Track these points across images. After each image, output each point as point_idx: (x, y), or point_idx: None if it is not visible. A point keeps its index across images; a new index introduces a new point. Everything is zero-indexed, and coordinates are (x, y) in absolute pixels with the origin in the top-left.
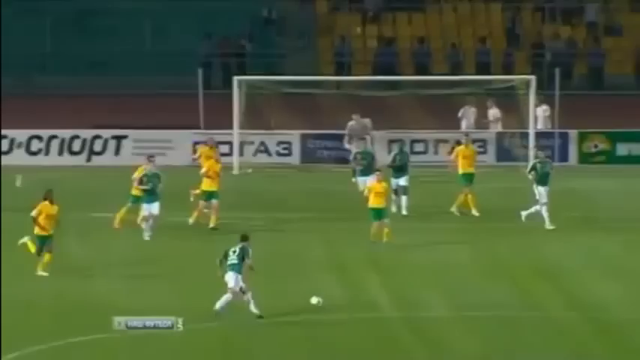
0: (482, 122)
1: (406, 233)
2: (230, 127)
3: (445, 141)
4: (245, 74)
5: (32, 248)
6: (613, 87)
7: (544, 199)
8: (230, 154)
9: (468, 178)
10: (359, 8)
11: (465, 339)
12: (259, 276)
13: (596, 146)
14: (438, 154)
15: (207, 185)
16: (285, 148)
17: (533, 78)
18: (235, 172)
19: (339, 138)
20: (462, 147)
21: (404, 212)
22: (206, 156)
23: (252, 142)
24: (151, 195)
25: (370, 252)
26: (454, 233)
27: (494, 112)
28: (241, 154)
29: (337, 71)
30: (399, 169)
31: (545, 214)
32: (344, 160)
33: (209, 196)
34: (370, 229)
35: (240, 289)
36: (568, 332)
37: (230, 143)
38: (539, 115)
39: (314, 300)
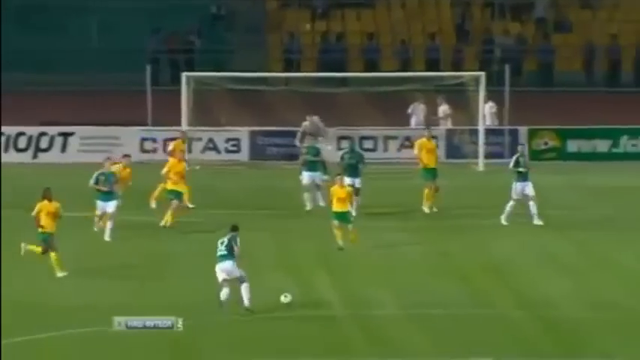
0: (432, 119)
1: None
2: (178, 123)
3: (394, 138)
4: (193, 70)
5: (37, 249)
6: (562, 83)
7: (532, 193)
8: None
9: (432, 173)
10: (308, 5)
11: (416, 337)
12: (210, 274)
13: (546, 143)
14: (387, 151)
15: (170, 185)
16: (233, 145)
17: (482, 74)
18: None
19: (289, 135)
20: (424, 140)
21: (353, 213)
22: (181, 150)
23: (200, 139)
24: (107, 193)
25: (321, 250)
26: (405, 231)
27: (444, 109)
28: (190, 150)
29: (286, 68)
30: (350, 168)
31: (534, 210)
32: (293, 157)
33: (175, 195)
34: (333, 230)
35: (238, 278)
36: (518, 330)
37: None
38: (486, 112)
39: (283, 298)
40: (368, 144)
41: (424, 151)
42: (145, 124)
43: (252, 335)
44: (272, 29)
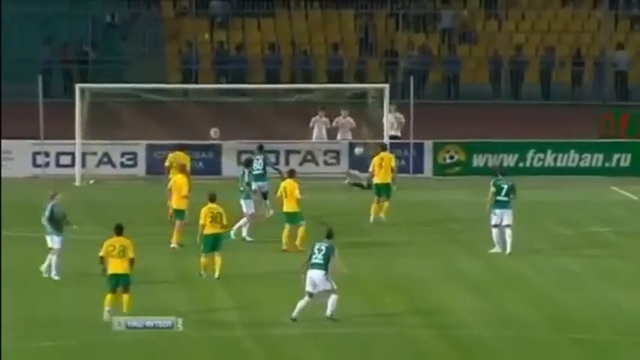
0: (334, 132)
1: (261, 248)
2: (72, 137)
3: (296, 152)
4: (88, 82)
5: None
6: (468, 96)
7: (508, 221)
8: (72, 165)
9: (384, 189)
10: (206, 14)
11: (319, 356)
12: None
13: (451, 157)
14: (289, 165)
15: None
16: (129, 159)
17: (386, 86)
18: (77, 183)
19: (188, 148)
20: (385, 154)
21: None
22: (180, 165)
23: (95, 153)
24: (57, 227)
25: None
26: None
27: (346, 122)
28: (84, 165)
29: (185, 78)
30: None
31: (509, 238)
32: (194, 172)
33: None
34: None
35: (327, 290)
36: (423, 349)
37: (72, 154)
38: (394, 123)
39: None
40: (270, 158)
41: (377, 165)
42: (37, 138)
43: (152, 353)
44: (169, 39)
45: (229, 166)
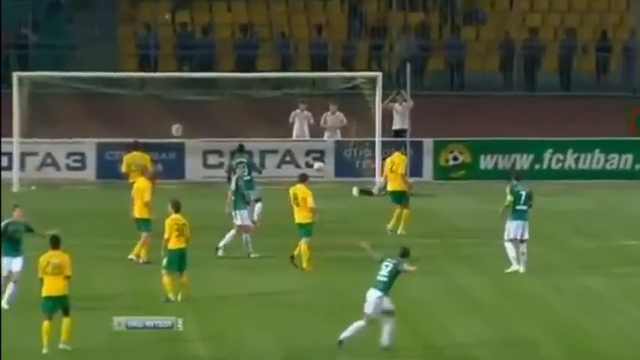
0: (318, 129)
1: (233, 265)
2: (8, 134)
3: (274, 152)
4: (28, 70)
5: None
6: (475, 86)
7: (526, 236)
8: (9, 167)
9: (396, 198)
10: None
11: None
12: (35, 311)
13: (455, 158)
14: (265, 168)
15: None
16: (77, 161)
17: (379, 75)
18: (15, 189)
19: (147, 148)
20: (396, 156)
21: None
22: (138, 166)
23: (36, 154)
24: (14, 248)
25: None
26: (284, 266)
27: (334, 117)
28: (22, 167)
29: (141, 66)
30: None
31: (523, 255)
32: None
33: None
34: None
35: (385, 312)
36: None
37: (9, 154)
38: (399, 113)
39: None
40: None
41: (388, 168)
42: None
43: None
44: (123, 20)
45: (193, 168)
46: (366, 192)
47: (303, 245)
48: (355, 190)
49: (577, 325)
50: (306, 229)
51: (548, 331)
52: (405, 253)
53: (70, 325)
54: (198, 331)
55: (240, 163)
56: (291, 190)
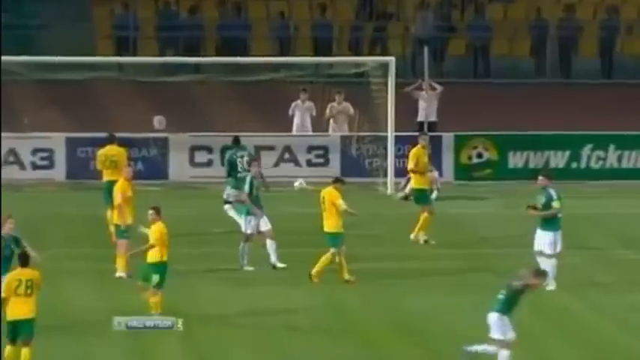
0: (322, 122)
1: (224, 277)
2: None
3: (270, 148)
4: None
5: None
6: (502, 73)
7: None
8: None
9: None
10: None
11: None
12: None
13: (479, 155)
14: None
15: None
16: (43, 158)
17: (392, 60)
18: None
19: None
20: (418, 148)
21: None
22: (113, 162)
23: None
24: (5, 263)
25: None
26: (284, 281)
27: (341, 108)
28: None
29: (118, 49)
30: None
31: (554, 268)
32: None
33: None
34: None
35: (496, 338)
36: None
37: None
38: (424, 102)
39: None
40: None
41: (415, 161)
42: None
43: None
44: None
45: (178, 166)
46: (406, 198)
47: (326, 256)
48: (399, 194)
49: (620, 347)
50: (332, 239)
51: (586, 354)
52: (540, 274)
53: (29, 356)
54: (182, 358)
55: (240, 157)
56: (322, 193)
